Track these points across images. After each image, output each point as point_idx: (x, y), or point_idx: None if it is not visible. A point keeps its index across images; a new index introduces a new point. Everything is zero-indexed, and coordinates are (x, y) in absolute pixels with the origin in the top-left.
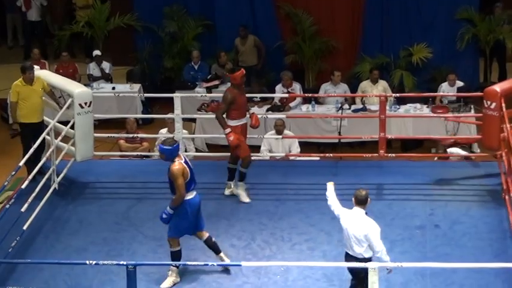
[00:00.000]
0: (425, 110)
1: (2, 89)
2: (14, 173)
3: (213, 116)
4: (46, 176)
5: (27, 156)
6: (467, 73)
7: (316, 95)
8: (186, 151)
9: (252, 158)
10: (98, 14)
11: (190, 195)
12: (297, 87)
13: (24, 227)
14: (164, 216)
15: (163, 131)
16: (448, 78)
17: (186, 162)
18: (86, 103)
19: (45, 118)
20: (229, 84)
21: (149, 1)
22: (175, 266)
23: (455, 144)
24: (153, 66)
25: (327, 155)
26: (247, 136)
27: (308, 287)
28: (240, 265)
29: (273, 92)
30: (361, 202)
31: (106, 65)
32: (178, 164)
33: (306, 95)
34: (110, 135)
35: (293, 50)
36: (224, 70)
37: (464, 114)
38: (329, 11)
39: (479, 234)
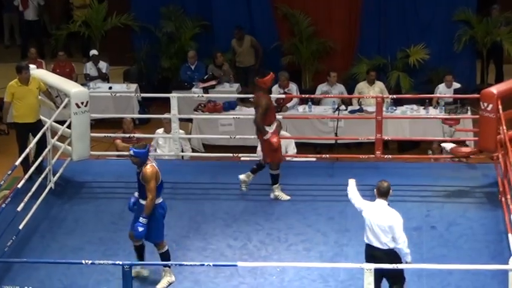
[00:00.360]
0: (421, 112)
1: None
2: (10, 172)
3: (210, 116)
4: (42, 176)
5: (23, 155)
6: (464, 75)
7: (312, 95)
8: (182, 151)
9: (249, 158)
10: (95, 13)
11: (159, 200)
12: (293, 87)
13: (20, 226)
14: (140, 229)
15: (160, 131)
16: (445, 79)
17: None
18: (82, 103)
19: (42, 117)
20: (226, 84)
21: (146, 1)
22: (168, 266)
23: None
24: (150, 66)
25: (324, 156)
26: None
27: (304, 287)
28: (236, 265)
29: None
30: (384, 194)
31: (103, 65)
32: (151, 167)
33: (303, 95)
34: (106, 135)
35: (290, 51)
36: (219, 71)
37: (461, 116)
38: (326, 12)
39: (476, 236)
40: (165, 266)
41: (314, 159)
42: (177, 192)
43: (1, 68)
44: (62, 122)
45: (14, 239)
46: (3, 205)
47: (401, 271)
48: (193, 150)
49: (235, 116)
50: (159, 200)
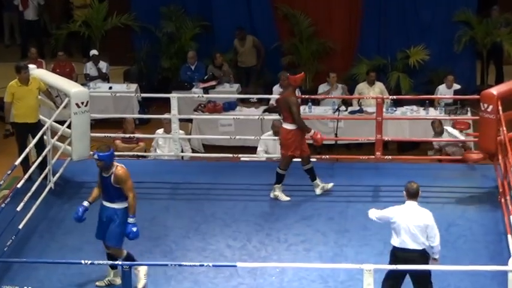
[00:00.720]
0: (421, 112)
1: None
2: (9, 172)
3: (210, 116)
4: (42, 176)
5: (23, 155)
6: (464, 76)
7: (313, 96)
8: (182, 152)
9: (248, 158)
10: (96, 13)
11: (127, 204)
12: None
13: (20, 226)
14: (134, 229)
15: (160, 131)
16: (447, 80)
17: None
18: (82, 103)
19: (42, 117)
20: (226, 84)
21: (147, 1)
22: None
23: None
24: (150, 66)
25: (324, 156)
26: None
27: None
28: (235, 266)
29: (270, 92)
30: (414, 195)
31: (103, 65)
32: (121, 167)
33: (303, 96)
34: (106, 135)
35: (290, 51)
36: (219, 71)
37: (461, 117)
38: (326, 13)
39: (475, 237)
40: (112, 267)
41: (314, 159)
42: (176, 193)
43: (1, 67)
44: (62, 122)
45: (14, 238)
46: (3, 205)
47: (429, 273)
48: (193, 151)
49: (235, 117)
50: (127, 205)
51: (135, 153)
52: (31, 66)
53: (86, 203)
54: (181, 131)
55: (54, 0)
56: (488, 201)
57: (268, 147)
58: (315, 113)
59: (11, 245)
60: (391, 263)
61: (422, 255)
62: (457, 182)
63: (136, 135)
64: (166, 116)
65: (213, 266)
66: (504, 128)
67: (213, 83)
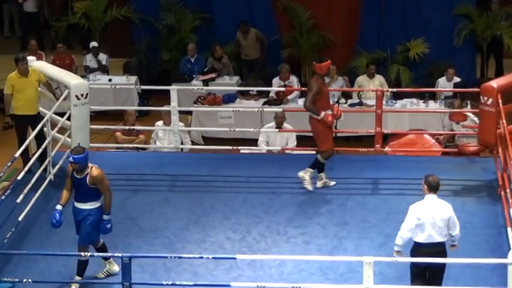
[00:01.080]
0: (421, 105)
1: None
2: (9, 164)
3: (209, 108)
4: (42, 167)
5: (23, 147)
6: (464, 69)
7: None
8: (182, 144)
9: (248, 151)
10: (95, 5)
11: (99, 204)
12: (294, 80)
13: (20, 218)
14: (108, 226)
15: (159, 123)
16: (447, 73)
17: None
18: (82, 95)
19: (42, 109)
20: (226, 77)
21: None
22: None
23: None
24: (150, 58)
25: None
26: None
27: (303, 280)
28: (235, 258)
29: (270, 85)
30: (435, 188)
31: (103, 57)
32: (96, 168)
33: (303, 88)
34: (106, 127)
35: (290, 44)
36: (218, 63)
37: (462, 110)
38: (326, 5)
39: (475, 230)
40: (105, 258)
41: (314, 152)
42: (176, 185)
43: (1, 59)
44: (61, 114)
45: (13, 230)
46: (3, 197)
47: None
48: (193, 143)
49: (234, 109)
50: (99, 204)
51: (135, 145)
52: (31, 58)
53: (59, 207)
54: (181, 123)
55: None
56: (488, 194)
57: (270, 138)
58: None
59: (11, 237)
60: (414, 258)
61: (445, 245)
62: (457, 175)
63: (136, 127)
64: (165, 108)
65: (213, 258)
66: (504, 121)
67: (213, 75)
